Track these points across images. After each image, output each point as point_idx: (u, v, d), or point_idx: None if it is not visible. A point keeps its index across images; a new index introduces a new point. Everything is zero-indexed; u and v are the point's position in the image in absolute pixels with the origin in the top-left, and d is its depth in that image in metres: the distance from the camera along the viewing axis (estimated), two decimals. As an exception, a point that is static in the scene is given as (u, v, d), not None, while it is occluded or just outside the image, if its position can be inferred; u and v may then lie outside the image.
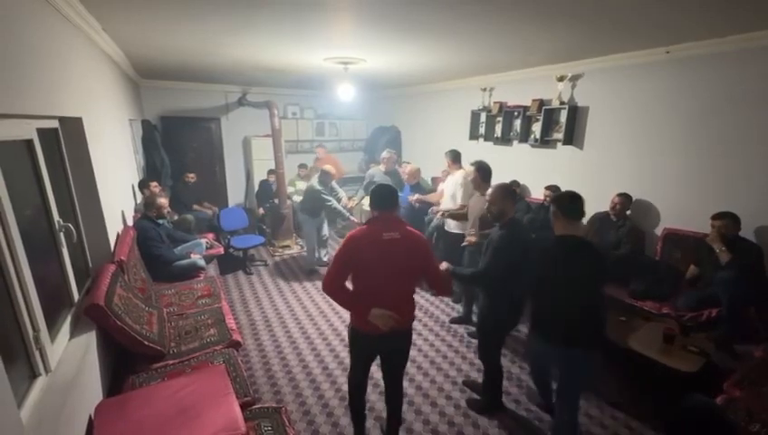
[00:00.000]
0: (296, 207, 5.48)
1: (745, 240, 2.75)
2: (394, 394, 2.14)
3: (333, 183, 4.65)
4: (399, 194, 4.88)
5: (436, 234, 4.25)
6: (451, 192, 3.79)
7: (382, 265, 1.84)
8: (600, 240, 3.55)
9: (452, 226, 3.78)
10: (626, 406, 2.50)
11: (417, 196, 4.16)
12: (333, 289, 1.87)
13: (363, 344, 2.03)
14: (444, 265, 2.22)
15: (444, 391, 2.66)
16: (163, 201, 3.53)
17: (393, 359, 2.08)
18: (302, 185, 6.23)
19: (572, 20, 2.42)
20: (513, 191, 2.23)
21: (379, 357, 2.09)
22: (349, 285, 1.90)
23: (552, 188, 3.98)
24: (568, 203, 1.86)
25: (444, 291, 2.03)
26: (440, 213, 3.80)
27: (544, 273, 1.89)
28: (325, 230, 4.97)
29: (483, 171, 3.02)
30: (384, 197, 1.92)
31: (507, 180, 3.63)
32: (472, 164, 3.24)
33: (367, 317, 1.83)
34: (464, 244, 2.99)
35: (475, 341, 3.14)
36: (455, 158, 3.82)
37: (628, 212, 3.56)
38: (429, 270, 1.94)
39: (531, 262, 2.04)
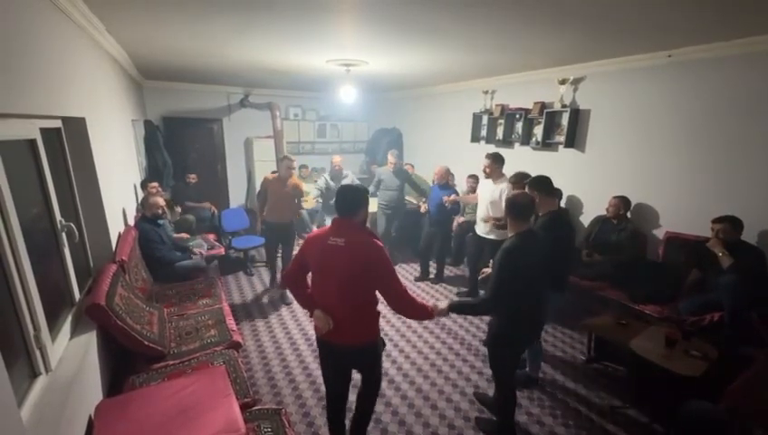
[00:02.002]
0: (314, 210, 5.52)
1: (747, 244, 2.74)
2: (356, 410, 2.06)
3: (350, 175, 4.72)
4: (407, 196, 4.87)
5: (471, 238, 4.18)
6: (490, 198, 3.63)
7: (322, 271, 1.77)
8: (602, 242, 3.55)
9: (481, 230, 3.76)
10: (627, 410, 2.49)
11: (453, 196, 4.15)
12: (289, 282, 1.91)
13: (320, 351, 1.97)
14: (443, 304, 1.98)
15: (444, 394, 2.65)
16: (157, 200, 3.51)
17: (359, 373, 2.00)
18: (303, 186, 6.22)
19: (575, 22, 2.42)
20: (518, 205, 2.03)
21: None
22: None
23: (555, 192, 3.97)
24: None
25: (403, 313, 1.87)
26: (491, 222, 3.59)
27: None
28: None
29: (517, 180, 3.19)
30: (340, 201, 1.77)
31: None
32: (510, 179, 3.26)
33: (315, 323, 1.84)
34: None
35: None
36: (502, 163, 3.67)
37: (629, 215, 3.56)
38: (381, 284, 1.74)
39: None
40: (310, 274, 1.88)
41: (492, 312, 2.16)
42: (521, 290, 1.96)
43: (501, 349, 2.14)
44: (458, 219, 4.67)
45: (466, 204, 4.49)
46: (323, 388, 2.64)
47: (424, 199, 4.81)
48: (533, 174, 3.05)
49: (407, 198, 5.27)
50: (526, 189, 2.68)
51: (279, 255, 4.23)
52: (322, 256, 1.74)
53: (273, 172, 5.84)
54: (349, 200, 1.76)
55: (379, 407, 2.50)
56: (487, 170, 3.67)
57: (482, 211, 3.76)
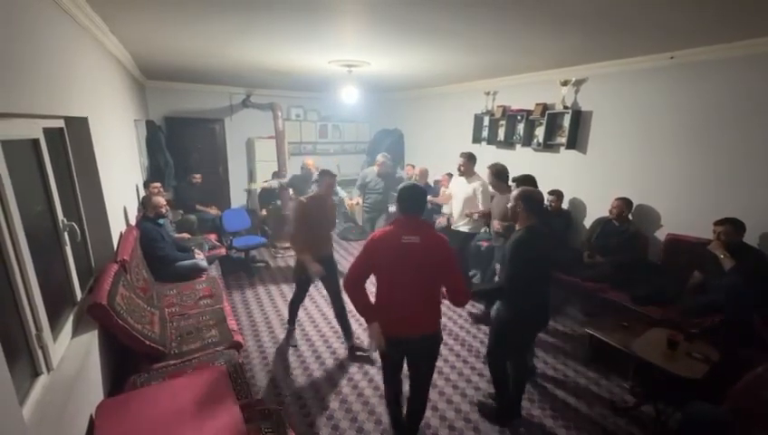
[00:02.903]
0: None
1: (749, 246, 2.73)
2: (415, 403, 2.11)
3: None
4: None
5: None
6: (464, 195, 3.76)
7: (399, 269, 1.83)
8: (603, 244, 3.54)
9: (460, 225, 3.85)
10: (629, 412, 2.48)
11: (429, 197, 4.21)
12: (350, 288, 1.90)
13: (387, 349, 1.99)
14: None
15: (445, 395, 2.65)
16: (159, 200, 3.52)
17: (419, 364, 2.03)
18: None
19: (575, 23, 2.42)
20: (529, 198, 2.11)
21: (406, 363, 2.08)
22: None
23: (556, 194, 3.97)
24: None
25: (458, 304, 1.95)
26: (474, 216, 3.71)
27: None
28: None
29: (497, 172, 3.32)
30: (409, 199, 1.85)
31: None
32: (489, 167, 3.37)
33: (385, 321, 1.88)
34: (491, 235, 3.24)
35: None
36: (475, 162, 3.84)
37: (631, 217, 3.55)
38: (447, 277, 1.86)
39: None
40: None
41: (504, 299, 2.24)
42: (524, 285, 2.07)
43: (499, 336, 2.29)
44: (439, 220, 4.60)
45: (442, 204, 4.51)
46: (324, 388, 2.67)
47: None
48: (536, 176, 3.09)
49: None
50: (513, 187, 2.86)
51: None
52: (396, 254, 1.81)
53: (275, 175, 5.82)
54: (418, 199, 1.86)
55: (379, 408, 2.50)
56: (462, 169, 3.81)
57: (457, 208, 3.85)
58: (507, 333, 2.23)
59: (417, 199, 1.86)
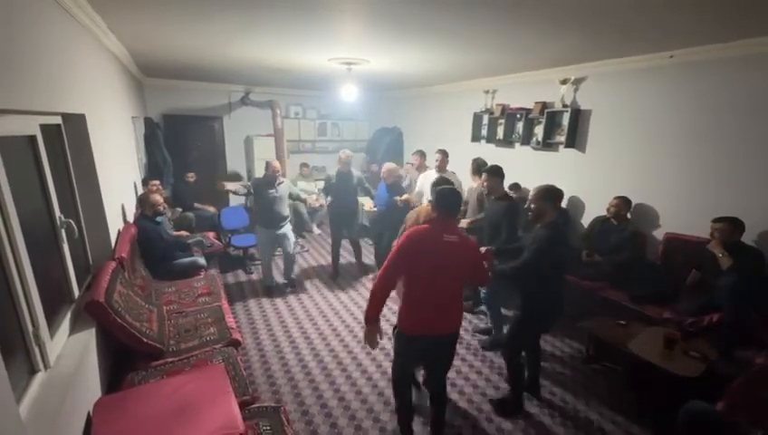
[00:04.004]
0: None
1: (747, 245, 2.74)
2: (438, 398, 2.17)
3: (285, 182, 4.05)
4: (373, 192, 4.63)
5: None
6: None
7: (438, 267, 1.88)
8: (601, 243, 3.54)
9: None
10: (626, 411, 2.48)
11: (405, 196, 4.20)
12: (382, 289, 1.92)
13: (408, 347, 2.04)
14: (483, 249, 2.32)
15: (449, 401, 2.65)
16: (156, 198, 3.50)
17: (436, 362, 2.10)
18: (303, 184, 6.25)
19: (573, 24, 2.41)
20: (554, 193, 2.26)
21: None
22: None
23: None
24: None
25: (482, 284, 2.21)
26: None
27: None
28: (289, 247, 4.12)
29: (478, 167, 3.70)
30: (451, 202, 1.96)
31: (508, 182, 3.64)
32: (472, 161, 3.64)
33: (412, 319, 1.95)
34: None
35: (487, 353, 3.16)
36: (448, 157, 4.08)
37: (629, 216, 3.55)
38: (476, 266, 2.02)
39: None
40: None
41: (520, 279, 2.35)
42: (539, 279, 2.22)
43: (515, 331, 2.47)
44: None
45: (413, 201, 4.38)
46: (322, 386, 2.68)
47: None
48: (534, 174, 3.10)
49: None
50: (483, 177, 3.08)
51: None
52: (440, 251, 1.86)
53: None
54: (456, 202, 1.98)
55: (377, 406, 2.51)
56: (440, 165, 4.01)
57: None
58: (522, 329, 2.42)
59: (455, 202, 1.97)
